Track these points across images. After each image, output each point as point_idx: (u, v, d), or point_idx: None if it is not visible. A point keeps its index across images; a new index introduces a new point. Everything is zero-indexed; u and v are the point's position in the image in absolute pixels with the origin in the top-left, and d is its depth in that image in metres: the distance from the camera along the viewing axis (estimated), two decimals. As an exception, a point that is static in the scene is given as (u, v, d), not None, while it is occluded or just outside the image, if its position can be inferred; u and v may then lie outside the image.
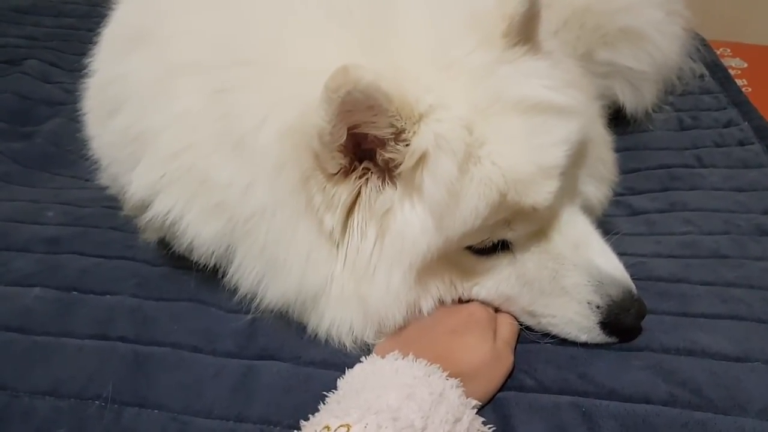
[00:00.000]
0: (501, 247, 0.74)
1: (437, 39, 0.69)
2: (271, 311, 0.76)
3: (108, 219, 1.00)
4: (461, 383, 0.66)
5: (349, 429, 0.57)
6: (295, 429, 0.62)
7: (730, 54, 1.76)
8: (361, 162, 0.69)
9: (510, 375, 0.73)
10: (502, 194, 0.67)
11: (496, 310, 0.78)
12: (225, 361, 0.75)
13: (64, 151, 1.26)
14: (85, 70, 0.94)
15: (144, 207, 0.79)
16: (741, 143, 1.27)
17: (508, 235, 0.73)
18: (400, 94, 0.62)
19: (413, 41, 0.69)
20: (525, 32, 0.71)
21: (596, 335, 0.74)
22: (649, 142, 1.30)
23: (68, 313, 0.82)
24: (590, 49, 1.23)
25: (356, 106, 0.62)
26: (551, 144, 0.69)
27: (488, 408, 0.70)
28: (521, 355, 0.75)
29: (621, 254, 0.77)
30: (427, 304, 0.74)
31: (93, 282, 0.86)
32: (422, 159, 0.65)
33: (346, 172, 0.69)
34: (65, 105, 1.36)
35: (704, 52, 1.55)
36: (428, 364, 0.67)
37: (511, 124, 0.67)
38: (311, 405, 0.66)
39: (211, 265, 0.78)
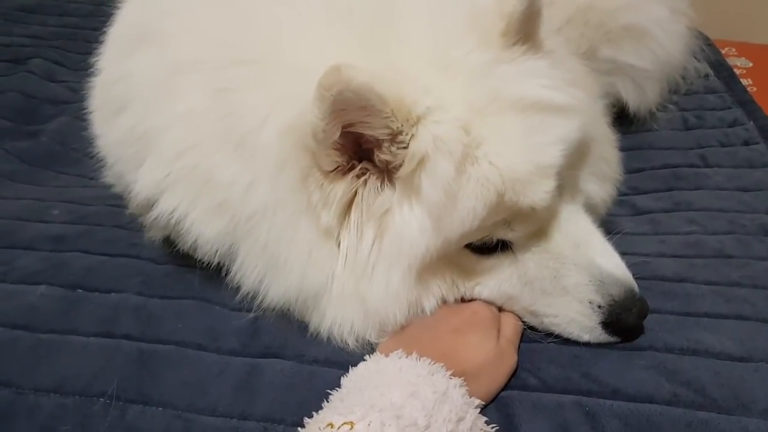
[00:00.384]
0: (502, 246, 0.74)
1: (437, 39, 0.69)
2: (273, 310, 0.76)
3: (113, 217, 1.00)
4: (464, 382, 0.66)
5: (352, 426, 0.57)
6: (298, 427, 0.62)
7: (735, 53, 1.76)
8: (360, 161, 0.69)
9: (513, 374, 0.73)
10: (499, 194, 0.67)
11: (500, 309, 0.78)
12: (229, 359, 0.75)
13: (69, 150, 1.27)
14: (90, 69, 0.95)
15: (149, 205, 0.79)
16: (746, 143, 1.27)
17: (509, 235, 0.73)
18: (396, 96, 0.63)
19: (413, 41, 0.69)
20: (524, 31, 0.71)
21: (598, 335, 0.74)
22: (654, 142, 1.29)
23: (73, 310, 0.82)
24: (593, 47, 1.23)
25: (349, 106, 0.62)
26: (548, 143, 0.69)
27: (492, 407, 0.70)
28: (525, 354, 0.75)
29: (625, 254, 0.77)
30: (429, 303, 0.74)
31: (98, 280, 0.87)
32: (421, 162, 0.66)
33: (344, 170, 0.69)
34: (70, 104, 1.37)
35: (709, 51, 1.55)
36: (432, 362, 0.67)
37: (508, 124, 0.67)
38: (315, 403, 0.66)
39: (215, 263, 0.78)
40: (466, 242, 0.72)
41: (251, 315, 0.78)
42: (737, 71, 1.57)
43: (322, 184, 0.69)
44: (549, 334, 0.77)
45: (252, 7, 0.77)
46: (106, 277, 0.87)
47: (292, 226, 0.71)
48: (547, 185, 0.69)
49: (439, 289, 0.75)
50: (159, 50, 0.80)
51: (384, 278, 0.70)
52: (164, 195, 0.76)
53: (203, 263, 0.79)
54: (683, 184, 1.15)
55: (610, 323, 0.73)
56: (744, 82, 1.52)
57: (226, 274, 0.78)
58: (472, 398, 0.66)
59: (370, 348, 0.73)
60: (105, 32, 0.94)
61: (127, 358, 0.76)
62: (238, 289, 0.77)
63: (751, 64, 1.71)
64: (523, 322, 0.78)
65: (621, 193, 0.97)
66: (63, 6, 1.86)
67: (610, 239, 0.78)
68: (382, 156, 0.67)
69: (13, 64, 1.54)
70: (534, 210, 0.69)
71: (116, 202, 1.00)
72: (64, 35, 1.70)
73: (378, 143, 0.66)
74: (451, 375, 0.66)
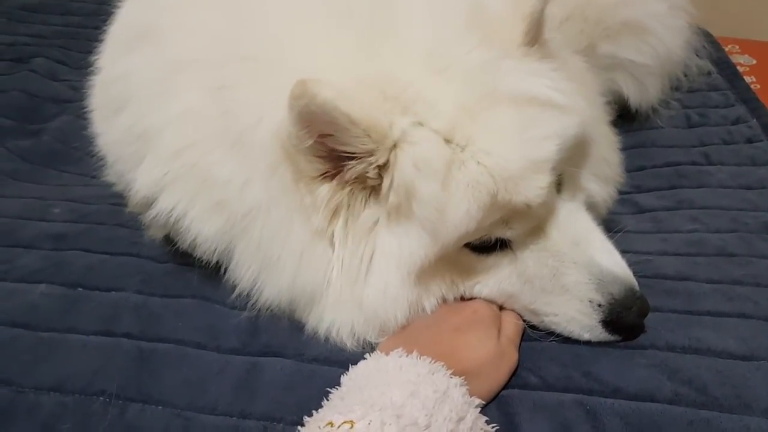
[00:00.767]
0: (501, 245, 0.74)
1: (437, 38, 0.69)
2: (268, 309, 0.76)
3: (113, 216, 1.00)
4: (465, 381, 0.66)
5: (352, 425, 0.57)
6: (298, 425, 0.62)
7: (739, 51, 1.75)
8: (343, 171, 0.68)
9: (514, 373, 0.72)
10: (492, 194, 0.66)
11: (501, 308, 0.78)
12: (229, 358, 0.75)
13: (71, 149, 1.27)
14: (91, 68, 0.95)
15: (148, 204, 0.79)
16: (749, 140, 1.26)
17: (507, 233, 0.72)
18: (369, 117, 0.62)
19: (412, 41, 0.69)
20: (536, 32, 0.71)
21: (599, 333, 0.74)
22: (657, 140, 1.29)
23: (73, 309, 0.82)
24: (593, 43, 1.23)
25: (316, 119, 0.62)
26: (542, 137, 0.68)
27: (492, 406, 0.70)
28: (526, 353, 0.74)
29: (627, 252, 0.77)
30: (429, 303, 0.74)
31: (98, 278, 0.87)
32: (406, 191, 0.66)
33: (330, 177, 0.69)
34: (72, 102, 1.37)
35: (712, 48, 1.54)
36: (432, 361, 0.67)
37: (500, 118, 0.67)
38: (315, 401, 0.66)
39: (214, 261, 0.78)
40: (465, 242, 0.72)
41: (245, 314, 0.78)
42: (740, 69, 1.57)
43: (311, 187, 0.69)
44: (550, 333, 0.76)
45: (250, 4, 0.77)
46: (106, 275, 0.87)
47: (285, 226, 0.71)
48: (542, 181, 0.68)
49: (439, 288, 0.74)
50: (157, 48, 0.80)
51: (381, 283, 0.70)
52: (163, 194, 0.77)
53: (202, 262, 0.79)
54: (686, 182, 1.15)
55: (610, 322, 0.73)
56: (747, 79, 1.52)
57: (224, 273, 0.78)
58: (473, 398, 0.65)
59: (371, 347, 0.73)
60: (106, 31, 0.94)
61: (127, 356, 0.76)
62: (234, 288, 0.77)
63: (754, 62, 1.71)
64: (524, 321, 0.78)
65: (623, 192, 0.97)
66: (65, 5, 1.87)
67: (611, 237, 0.78)
68: (358, 168, 0.67)
69: (16, 63, 1.54)
70: (530, 207, 0.69)
71: (117, 201, 1.00)
72: (67, 34, 1.70)
73: (353, 158, 0.66)
74: (451, 374, 0.66)
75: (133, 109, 0.81)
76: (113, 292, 0.85)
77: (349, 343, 0.73)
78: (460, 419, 0.62)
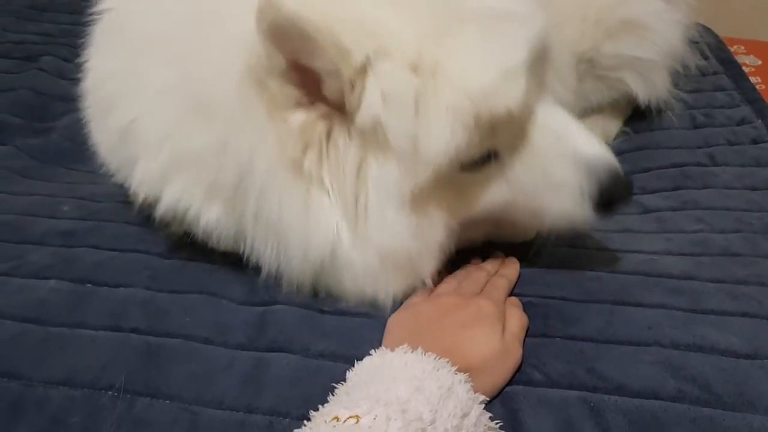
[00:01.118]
0: (490, 158, 0.74)
1: None
2: (298, 286, 0.75)
3: (122, 213, 1.01)
4: (470, 377, 0.66)
5: (358, 420, 0.57)
6: (304, 420, 0.62)
7: (744, 51, 1.75)
8: (320, 102, 0.68)
9: (518, 369, 0.73)
10: (473, 114, 0.66)
11: (504, 301, 0.79)
12: (236, 353, 0.76)
13: (80, 147, 1.26)
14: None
15: (155, 205, 0.79)
16: (754, 141, 1.26)
17: (495, 144, 0.73)
18: (334, 31, 0.62)
19: None
20: None
21: (592, 218, 0.77)
22: (662, 141, 1.29)
23: (82, 304, 0.83)
24: (596, 44, 1.23)
25: (284, 33, 0.61)
26: (511, 46, 0.68)
27: (496, 402, 0.70)
28: (530, 349, 0.75)
29: (632, 251, 0.77)
30: (436, 232, 0.74)
31: (107, 274, 0.87)
32: (378, 122, 0.65)
33: (307, 108, 0.68)
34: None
35: (718, 49, 1.54)
36: (437, 357, 0.67)
37: (466, 38, 0.66)
38: (320, 396, 0.66)
39: (232, 248, 0.77)
40: (458, 163, 0.71)
41: (259, 309, 0.78)
42: (746, 69, 1.56)
43: (285, 115, 0.68)
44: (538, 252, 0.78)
45: None
46: (115, 271, 0.88)
47: (276, 183, 0.70)
48: (518, 86, 0.68)
49: (440, 215, 0.74)
50: (124, 39, 0.79)
51: (380, 218, 0.71)
52: (164, 191, 0.77)
53: (212, 257, 0.79)
54: (691, 182, 1.15)
55: (601, 204, 0.75)
56: (753, 80, 1.52)
57: (235, 268, 0.78)
58: (477, 394, 0.65)
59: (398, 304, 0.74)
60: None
61: (135, 351, 0.76)
62: (248, 281, 0.76)
63: (760, 62, 1.71)
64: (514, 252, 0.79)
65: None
66: (74, 4, 1.87)
67: (616, 236, 0.78)
68: (331, 87, 0.66)
69: (25, 61, 1.55)
70: (512, 114, 0.69)
71: (125, 199, 1.00)
72: (75, 33, 1.70)
73: (327, 76, 0.65)
74: (456, 370, 0.66)
75: (118, 107, 0.79)
76: (121, 288, 0.85)
77: (380, 296, 0.74)
78: (465, 415, 0.62)
